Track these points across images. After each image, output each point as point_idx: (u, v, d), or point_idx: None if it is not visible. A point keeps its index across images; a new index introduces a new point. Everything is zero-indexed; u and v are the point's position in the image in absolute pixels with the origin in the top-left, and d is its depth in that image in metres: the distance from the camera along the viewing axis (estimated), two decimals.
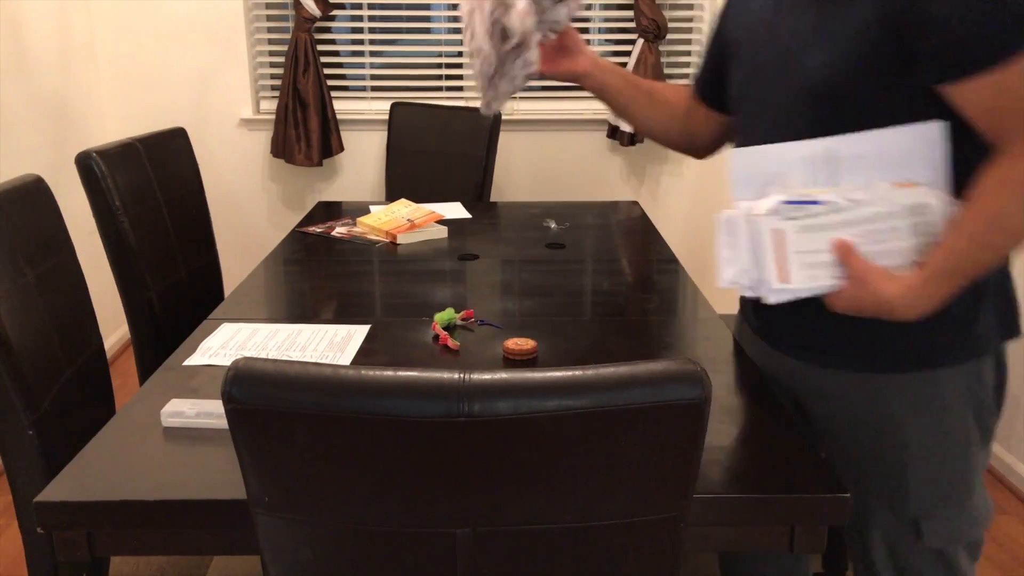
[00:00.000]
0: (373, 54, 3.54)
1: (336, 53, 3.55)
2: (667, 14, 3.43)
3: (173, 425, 1.32)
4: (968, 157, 1.18)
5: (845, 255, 1.20)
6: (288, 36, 3.41)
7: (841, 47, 1.18)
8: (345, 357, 1.57)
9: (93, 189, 1.99)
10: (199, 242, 2.41)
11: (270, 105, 3.52)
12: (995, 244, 1.14)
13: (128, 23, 3.36)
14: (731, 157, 1.28)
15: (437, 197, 3.20)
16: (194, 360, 1.56)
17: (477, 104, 3.48)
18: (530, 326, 1.78)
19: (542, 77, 1.52)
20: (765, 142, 1.25)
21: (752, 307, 1.49)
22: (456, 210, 2.82)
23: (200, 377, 1.51)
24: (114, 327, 3.43)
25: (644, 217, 2.76)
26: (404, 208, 2.57)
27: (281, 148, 3.38)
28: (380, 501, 0.87)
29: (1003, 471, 2.56)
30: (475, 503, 0.86)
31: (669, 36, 3.47)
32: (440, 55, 3.56)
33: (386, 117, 3.38)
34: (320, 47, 3.38)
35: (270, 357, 1.36)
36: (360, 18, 3.49)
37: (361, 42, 3.51)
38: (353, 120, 3.49)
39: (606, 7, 3.51)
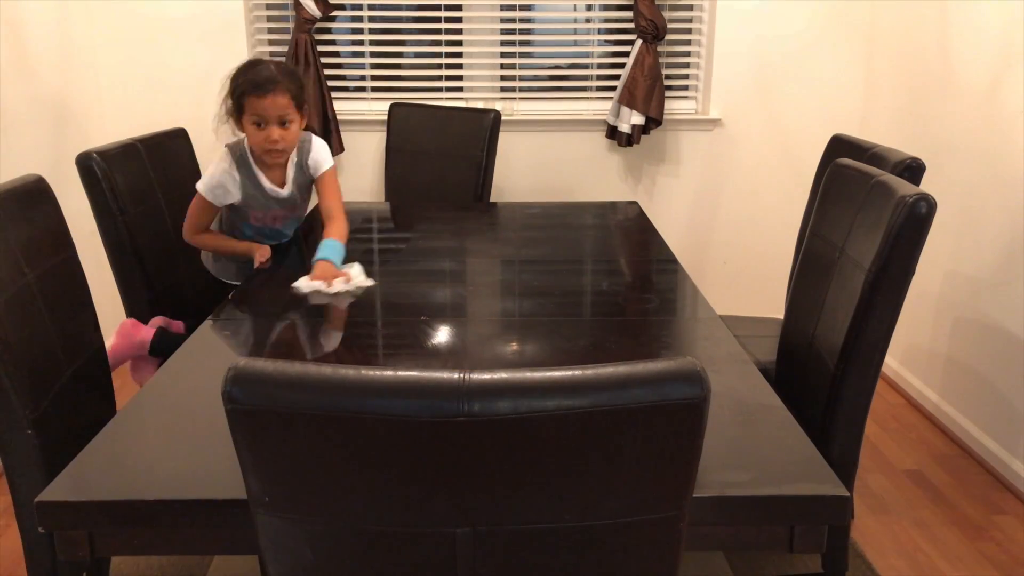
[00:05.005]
0: (373, 54, 3.54)
1: (336, 54, 3.55)
2: (666, 15, 3.43)
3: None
4: None
5: None
6: (288, 36, 3.41)
7: None
8: None
9: (93, 189, 1.98)
10: None
11: None
12: None
13: (128, 23, 3.36)
14: None
15: (436, 197, 3.20)
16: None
17: (477, 104, 3.48)
18: (529, 326, 1.78)
19: None
20: None
21: None
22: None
23: (199, 378, 1.51)
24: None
25: (643, 217, 2.76)
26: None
27: None
28: (380, 501, 0.87)
29: (1002, 471, 2.56)
30: (475, 503, 0.86)
31: (668, 37, 3.47)
32: (440, 55, 3.56)
33: (385, 117, 3.38)
34: (320, 48, 3.38)
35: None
36: (360, 19, 3.49)
37: (361, 42, 3.52)
38: (353, 120, 3.49)
39: (605, 7, 3.51)
